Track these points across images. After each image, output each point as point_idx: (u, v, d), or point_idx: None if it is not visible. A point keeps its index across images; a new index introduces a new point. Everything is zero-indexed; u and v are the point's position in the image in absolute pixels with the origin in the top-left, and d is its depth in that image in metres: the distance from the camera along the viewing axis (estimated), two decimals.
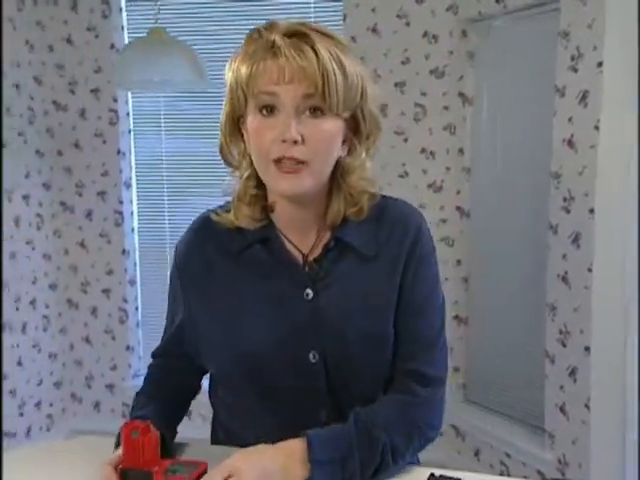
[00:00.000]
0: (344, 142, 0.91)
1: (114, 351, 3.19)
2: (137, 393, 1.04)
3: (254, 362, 0.89)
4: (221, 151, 0.95)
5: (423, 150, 2.78)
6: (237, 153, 0.94)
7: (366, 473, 0.85)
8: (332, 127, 0.87)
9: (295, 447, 0.82)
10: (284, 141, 0.84)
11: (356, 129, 0.92)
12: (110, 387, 3.20)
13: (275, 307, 0.91)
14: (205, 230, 0.97)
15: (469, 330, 2.83)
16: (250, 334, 0.90)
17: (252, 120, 0.88)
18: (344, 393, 0.91)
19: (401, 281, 0.93)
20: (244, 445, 0.86)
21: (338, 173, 0.93)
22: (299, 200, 0.91)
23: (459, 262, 2.81)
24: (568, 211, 2.24)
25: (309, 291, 0.91)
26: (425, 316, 0.95)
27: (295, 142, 0.84)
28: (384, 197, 0.98)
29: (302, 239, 0.95)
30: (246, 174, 0.93)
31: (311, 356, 0.90)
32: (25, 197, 2.92)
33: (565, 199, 2.25)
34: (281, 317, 0.90)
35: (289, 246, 0.95)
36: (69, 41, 3.01)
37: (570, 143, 2.21)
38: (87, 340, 3.20)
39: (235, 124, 0.93)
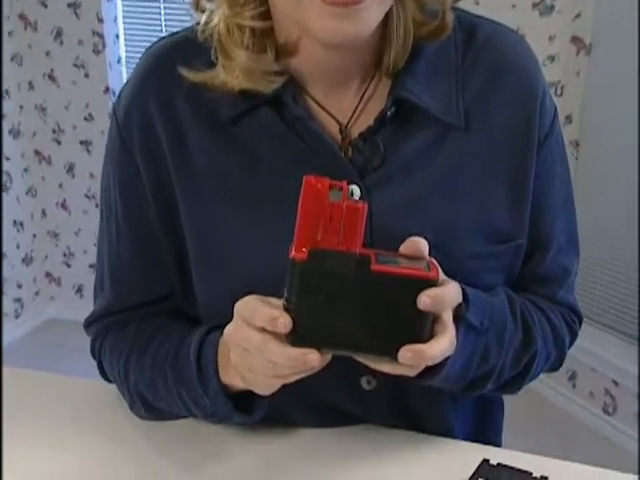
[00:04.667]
0: None
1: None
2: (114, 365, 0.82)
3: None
4: None
5: None
6: None
7: (503, 374, 0.76)
8: None
9: None
10: None
11: None
12: (95, 267, 2.81)
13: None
14: (171, 74, 0.73)
15: None
16: (254, 257, 0.73)
17: None
18: None
19: (524, 172, 0.75)
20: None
21: None
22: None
23: (569, 119, 2.39)
24: None
25: (354, 188, 0.72)
26: (566, 222, 0.82)
27: None
28: (469, 15, 0.78)
29: (337, 101, 0.74)
30: None
31: None
32: None
33: None
34: None
35: (317, 111, 0.74)
36: None
37: None
38: (63, 206, 2.98)
39: None
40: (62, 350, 2.68)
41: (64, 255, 3.03)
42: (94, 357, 0.85)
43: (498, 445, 0.86)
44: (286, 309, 0.57)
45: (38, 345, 2.81)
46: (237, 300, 0.62)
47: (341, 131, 0.73)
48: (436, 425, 0.81)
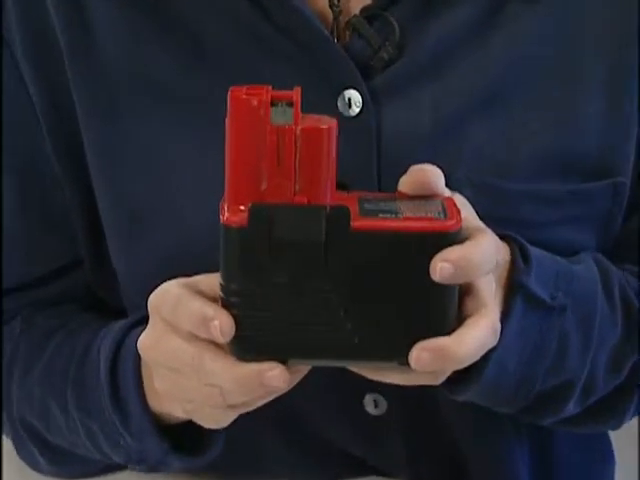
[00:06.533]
0: None
1: None
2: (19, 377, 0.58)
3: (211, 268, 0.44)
4: None
5: None
6: None
7: (594, 387, 0.53)
8: None
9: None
10: None
11: None
12: None
13: None
14: None
15: None
16: (199, 204, 0.51)
17: None
18: None
19: (628, 71, 0.56)
20: None
21: None
22: None
23: None
24: None
25: (354, 94, 0.53)
26: None
27: None
28: None
29: None
30: None
31: None
32: None
33: None
34: None
35: None
36: None
37: None
38: None
39: None
40: None
41: None
42: None
43: None
44: (224, 303, 0.40)
45: None
46: (174, 275, 0.44)
47: (332, 6, 0.54)
48: (487, 474, 0.59)
